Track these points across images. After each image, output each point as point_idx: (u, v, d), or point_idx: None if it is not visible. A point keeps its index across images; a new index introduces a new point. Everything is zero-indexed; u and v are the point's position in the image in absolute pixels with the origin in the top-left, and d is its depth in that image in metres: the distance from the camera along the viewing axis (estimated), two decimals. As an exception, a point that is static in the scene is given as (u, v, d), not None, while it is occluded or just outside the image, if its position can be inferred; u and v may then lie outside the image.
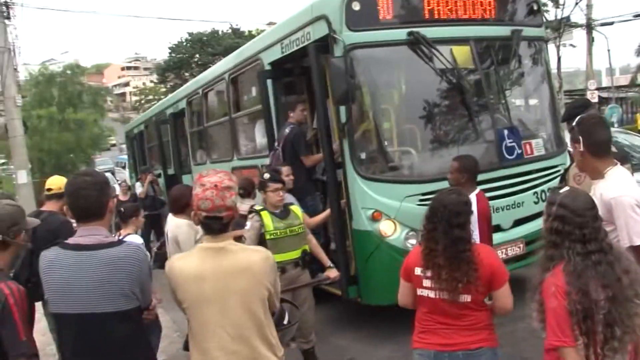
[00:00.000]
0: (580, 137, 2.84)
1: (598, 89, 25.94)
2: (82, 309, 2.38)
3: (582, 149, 2.85)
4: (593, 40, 24.58)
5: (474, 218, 4.29)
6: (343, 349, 5.44)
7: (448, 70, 5.48)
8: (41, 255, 2.50)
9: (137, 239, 5.12)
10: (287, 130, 6.03)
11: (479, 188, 4.60)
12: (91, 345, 2.42)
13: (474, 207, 4.31)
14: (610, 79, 31.92)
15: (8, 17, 14.64)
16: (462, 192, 2.97)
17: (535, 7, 6.33)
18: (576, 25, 22.26)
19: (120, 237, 5.14)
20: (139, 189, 11.69)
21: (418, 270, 2.87)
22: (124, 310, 2.42)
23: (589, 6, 23.21)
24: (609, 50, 31.86)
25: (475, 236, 4.24)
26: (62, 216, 4.52)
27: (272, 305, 2.59)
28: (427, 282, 2.83)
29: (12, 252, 2.80)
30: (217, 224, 2.46)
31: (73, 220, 2.95)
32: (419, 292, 2.88)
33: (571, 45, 24.12)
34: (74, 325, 2.43)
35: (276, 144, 6.16)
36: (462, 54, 5.57)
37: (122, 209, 5.52)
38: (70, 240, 2.49)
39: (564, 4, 19.93)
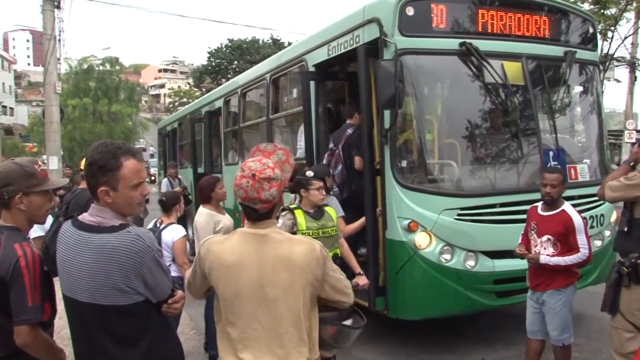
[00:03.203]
0: None
1: (637, 130, 25.33)
2: (76, 294, 2.21)
3: None
4: (636, 79, 24.07)
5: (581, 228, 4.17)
6: (365, 362, 5.26)
7: (498, 85, 5.35)
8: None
9: (179, 229, 5.10)
10: (349, 131, 5.89)
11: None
12: (86, 333, 2.25)
13: (579, 218, 4.21)
14: (647, 122, 31.18)
15: (58, 7, 14.97)
16: None
17: (591, 30, 6.19)
18: (621, 61, 21.76)
19: (162, 227, 5.10)
20: (165, 187, 11.26)
21: None
22: (121, 305, 2.18)
23: (634, 45, 22.77)
24: (650, 92, 31.20)
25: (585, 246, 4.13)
26: None
27: (328, 300, 2.43)
28: None
29: (19, 213, 2.53)
30: (253, 213, 2.32)
31: None
32: None
33: (616, 80, 23.62)
34: (70, 309, 2.27)
35: (331, 145, 6.02)
36: (513, 70, 5.43)
37: (163, 198, 5.38)
38: (80, 217, 2.30)
39: (612, 37, 19.52)
